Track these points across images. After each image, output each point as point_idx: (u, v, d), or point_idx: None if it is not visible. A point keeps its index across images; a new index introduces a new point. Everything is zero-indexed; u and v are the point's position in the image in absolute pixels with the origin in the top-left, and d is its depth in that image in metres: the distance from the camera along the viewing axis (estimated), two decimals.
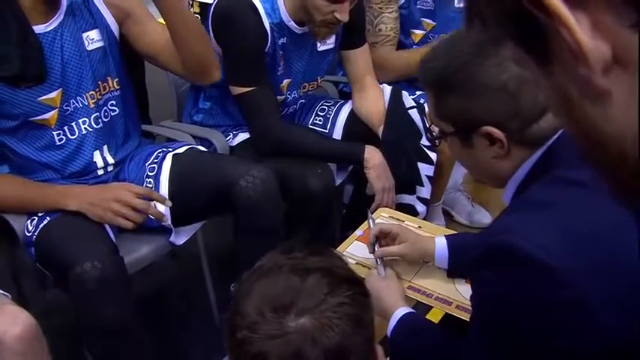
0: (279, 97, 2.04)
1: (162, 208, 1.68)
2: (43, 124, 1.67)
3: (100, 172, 1.80)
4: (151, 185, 1.80)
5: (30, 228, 1.61)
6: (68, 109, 1.70)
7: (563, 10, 0.42)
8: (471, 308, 1.35)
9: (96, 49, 1.73)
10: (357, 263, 1.52)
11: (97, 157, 1.79)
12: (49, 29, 1.64)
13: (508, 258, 0.91)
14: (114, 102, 1.80)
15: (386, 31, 2.23)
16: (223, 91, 2.03)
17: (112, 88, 1.78)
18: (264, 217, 1.71)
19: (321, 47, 2.05)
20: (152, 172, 1.81)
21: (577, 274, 0.85)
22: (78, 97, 1.70)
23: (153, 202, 1.68)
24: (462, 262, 1.42)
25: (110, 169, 1.82)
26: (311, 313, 0.76)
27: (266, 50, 1.92)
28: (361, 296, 0.82)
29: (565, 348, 0.91)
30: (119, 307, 1.49)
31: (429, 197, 2.12)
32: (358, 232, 1.63)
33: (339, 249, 1.56)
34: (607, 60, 0.42)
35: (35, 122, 1.65)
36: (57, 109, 1.67)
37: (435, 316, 1.43)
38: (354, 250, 1.57)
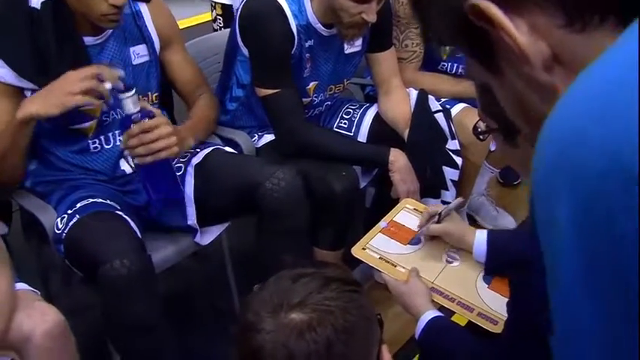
0: (305, 100, 2.05)
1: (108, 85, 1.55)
2: (81, 132, 1.70)
3: (128, 177, 1.83)
4: None
5: (60, 225, 1.62)
6: (107, 120, 1.73)
7: (502, 18, 0.48)
8: (492, 317, 1.36)
9: (141, 63, 1.78)
10: (380, 258, 1.50)
11: (125, 166, 1.81)
12: (98, 42, 1.68)
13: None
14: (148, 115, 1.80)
15: (412, 47, 2.23)
16: (249, 93, 2.04)
17: (151, 102, 1.80)
18: (288, 219, 1.71)
19: (348, 50, 2.05)
20: (179, 172, 1.82)
21: None
22: (117, 109, 1.72)
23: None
24: (500, 260, 1.41)
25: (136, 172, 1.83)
26: (299, 309, 0.83)
27: (293, 52, 1.92)
28: (352, 293, 0.87)
29: None
30: (147, 304, 1.50)
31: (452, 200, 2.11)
32: (382, 223, 1.61)
33: (361, 242, 1.55)
34: (546, 58, 0.48)
35: (73, 129, 1.68)
36: (96, 120, 1.70)
37: (460, 319, 1.42)
38: (378, 243, 1.55)
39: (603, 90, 0.42)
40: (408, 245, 1.54)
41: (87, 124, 1.70)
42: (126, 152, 1.62)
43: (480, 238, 1.43)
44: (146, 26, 1.79)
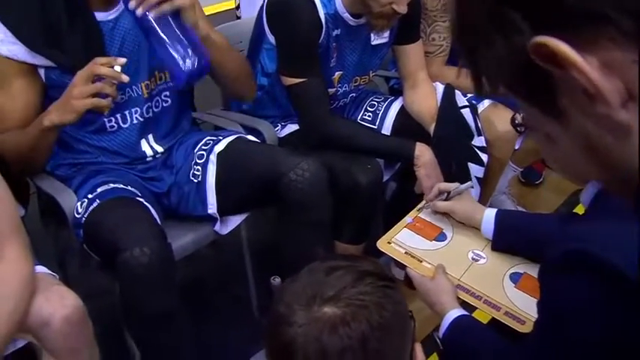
0: (330, 90, 2.02)
1: (118, 68, 1.52)
2: (96, 110, 1.67)
3: (149, 159, 1.80)
4: (198, 173, 1.79)
5: (80, 210, 1.60)
6: (123, 98, 1.69)
7: (574, 55, 0.45)
8: (519, 316, 1.33)
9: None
10: (405, 253, 1.48)
11: (145, 146, 1.79)
12: (111, 17, 1.64)
13: (585, 266, 0.87)
14: (167, 92, 1.79)
15: (439, 41, 2.19)
16: (273, 82, 2.00)
17: (168, 79, 1.77)
18: (312, 210, 1.68)
19: (375, 41, 2.01)
20: (201, 159, 1.79)
21: None
22: (133, 87, 1.69)
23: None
24: (508, 239, 1.44)
25: (159, 156, 1.81)
26: (333, 302, 0.80)
27: (320, 41, 1.89)
28: (386, 288, 0.84)
29: None
30: (165, 293, 1.48)
31: (477, 198, 2.08)
32: (408, 218, 1.59)
33: (386, 236, 1.52)
34: (623, 94, 0.45)
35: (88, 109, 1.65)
36: (111, 98, 1.67)
37: (482, 316, 1.39)
38: (403, 237, 1.53)
39: None
40: (433, 241, 1.53)
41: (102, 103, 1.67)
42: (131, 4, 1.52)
43: (488, 215, 1.45)
44: None
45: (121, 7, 1.64)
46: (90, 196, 1.61)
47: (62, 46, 1.55)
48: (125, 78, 1.50)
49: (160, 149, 1.81)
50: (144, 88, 1.72)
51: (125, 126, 1.73)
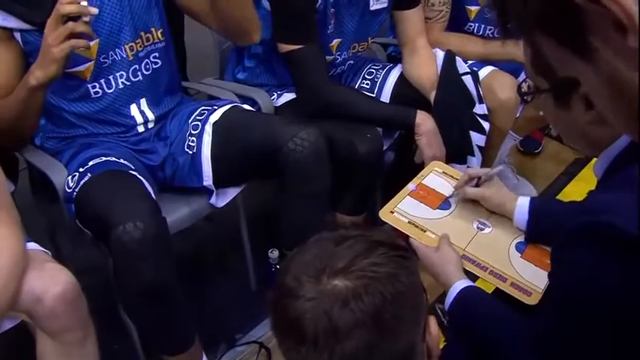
0: (327, 57, 1.96)
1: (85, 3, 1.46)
2: (77, 76, 1.61)
3: (141, 128, 1.75)
4: (193, 144, 1.74)
5: (71, 184, 1.56)
6: (106, 62, 1.63)
7: None
8: (526, 288, 1.30)
9: None
10: (409, 222, 1.44)
11: (135, 112, 1.72)
12: None
13: (606, 238, 0.83)
14: (157, 54, 1.72)
15: (439, 6, 2.13)
16: (268, 50, 1.95)
17: (156, 40, 1.71)
18: (312, 181, 1.65)
19: (373, 6, 1.95)
20: (195, 130, 1.74)
21: None
22: (116, 50, 1.63)
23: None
24: (543, 228, 1.37)
25: (151, 125, 1.76)
26: (343, 274, 0.75)
27: (317, 7, 1.83)
28: (399, 257, 0.80)
29: None
30: (160, 268, 1.43)
31: (479, 168, 2.04)
32: (411, 186, 1.54)
33: (389, 205, 1.48)
34: None
35: (69, 74, 1.58)
36: (93, 61, 1.60)
37: (485, 285, 1.36)
38: (406, 206, 1.48)
39: None
40: (437, 210, 1.49)
41: (83, 67, 1.60)
42: None
43: (522, 204, 1.38)
44: None
45: None
46: (81, 169, 1.56)
47: (31, 2, 1.49)
48: (94, 10, 1.44)
49: (151, 116, 1.75)
50: (127, 50, 1.65)
51: (110, 91, 1.66)
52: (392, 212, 1.46)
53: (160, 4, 1.71)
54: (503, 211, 1.43)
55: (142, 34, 1.67)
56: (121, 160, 1.61)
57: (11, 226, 1.26)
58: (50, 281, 1.27)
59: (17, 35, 1.54)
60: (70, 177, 1.57)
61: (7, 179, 1.89)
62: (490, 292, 1.35)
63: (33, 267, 1.27)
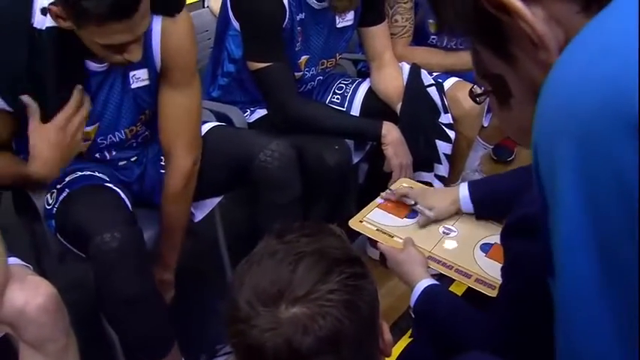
0: (296, 74, 2.04)
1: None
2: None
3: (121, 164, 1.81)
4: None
5: (50, 201, 1.61)
6: (103, 143, 1.69)
7: (520, 7, 0.49)
8: (489, 282, 1.36)
9: (141, 87, 1.64)
10: (377, 229, 1.51)
11: (122, 162, 1.80)
12: (102, 70, 1.57)
13: (533, 229, 0.90)
14: (147, 125, 1.76)
15: (402, 22, 2.22)
16: (240, 68, 2.02)
17: (149, 117, 1.74)
18: (282, 190, 1.71)
19: (339, 24, 2.03)
20: None
21: None
22: (116, 132, 1.68)
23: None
24: (487, 205, 1.49)
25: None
26: (302, 303, 0.76)
27: (284, 26, 1.90)
28: (356, 279, 0.80)
29: None
30: (138, 277, 1.49)
31: (446, 175, 2.11)
32: (379, 199, 1.61)
33: (358, 215, 1.55)
34: (562, 43, 0.50)
35: None
36: (90, 141, 1.67)
37: (458, 289, 1.42)
38: (375, 216, 1.55)
39: (600, 39, 0.44)
40: (404, 219, 1.55)
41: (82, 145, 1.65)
42: None
43: (463, 191, 1.49)
44: (152, 47, 1.58)
45: None
46: (59, 186, 1.62)
47: (46, 97, 1.49)
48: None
49: (133, 158, 1.81)
50: (127, 132, 1.70)
51: (102, 161, 1.74)
52: (361, 222, 1.53)
53: (156, 88, 1.68)
54: (452, 209, 1.51)
55: (140, 117, 1.71)
56: (97, 174, 1.67)
57: None
58: (31, 293, 1.30)
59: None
60: (49, 194, 1.63)
61: None
62: (461, 295, 1.42)
63: (14, 280, 1.30)
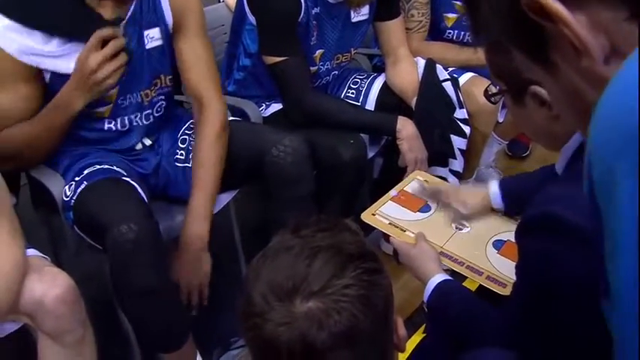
0: (311, 68, 2.04)
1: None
2: (97, 115, 1.69)
3: (138, 147, 1.83)
4: (182, 157, 1.82)
5: (68, 193, 1.63)
6: (123, 104, 1.71)
7: (564, 13, 0.48)
8: (501, 280, 1.36)
9: (155, 47, 1.70)
10: (389, 223, 1.50)
11: (138, 144, 1.82)
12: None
13: (549, 227, 0.90)
14: (163, 97, 1.79)
15: (418, 17, 2.22)
16: (256, 62, 2.03)
17: (164, 85, 1.77)
18: (295, 185, 1.72)
19: (355, 18, 2.03)
20: (184, 143, 1.83)
21: None
22: (134, 93, 1.70)
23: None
24: (518, 202, 1.46)
25: (147, 143, 1.85)
26: (317, 297, 0.76)
27: (299, 20, 1.91)
28: (371, 274, 0.80)
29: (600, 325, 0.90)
30: (154, 269, 1.51)
31: (461, 170, 2.11)
32: (393, 192, 1.61)
33: (371, 208, 1.55)
34: (607, 51, 0.49)
35: (89, 112, 1.66)
36: (112, 104, 1.69)
37: (471, 284, 1.42)
38: (388, 210, 1.55)
39: None
40: (417, 212, 1.55)
41: (103, 108, 1.69)
42: None
43: (493, 188, 1.47)
44: (161, 6, 1.67)
45: (128, 13, 1.61)
46: (77, 178, 1.63)
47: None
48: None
49: (149, 143, 1.84)
50: (143, 96, 1.73)
51: (123, 129, 1.75)
52: (373, 215, 1.53)
53: (170, 51, 1.75)
54: (486, 207, 1.50)
55: (156, 80, 1.74)
56: (114, 167, 1.68)
57: (11, 232, 1.31)
58: (49, 284, 1.31)
59: (47, 76, 1.58)
60: (67, 186, 1.64)
61: (9, 193, 1.97)
62: (474, 290, 1.41)
63: (32, 271, 1.32)
